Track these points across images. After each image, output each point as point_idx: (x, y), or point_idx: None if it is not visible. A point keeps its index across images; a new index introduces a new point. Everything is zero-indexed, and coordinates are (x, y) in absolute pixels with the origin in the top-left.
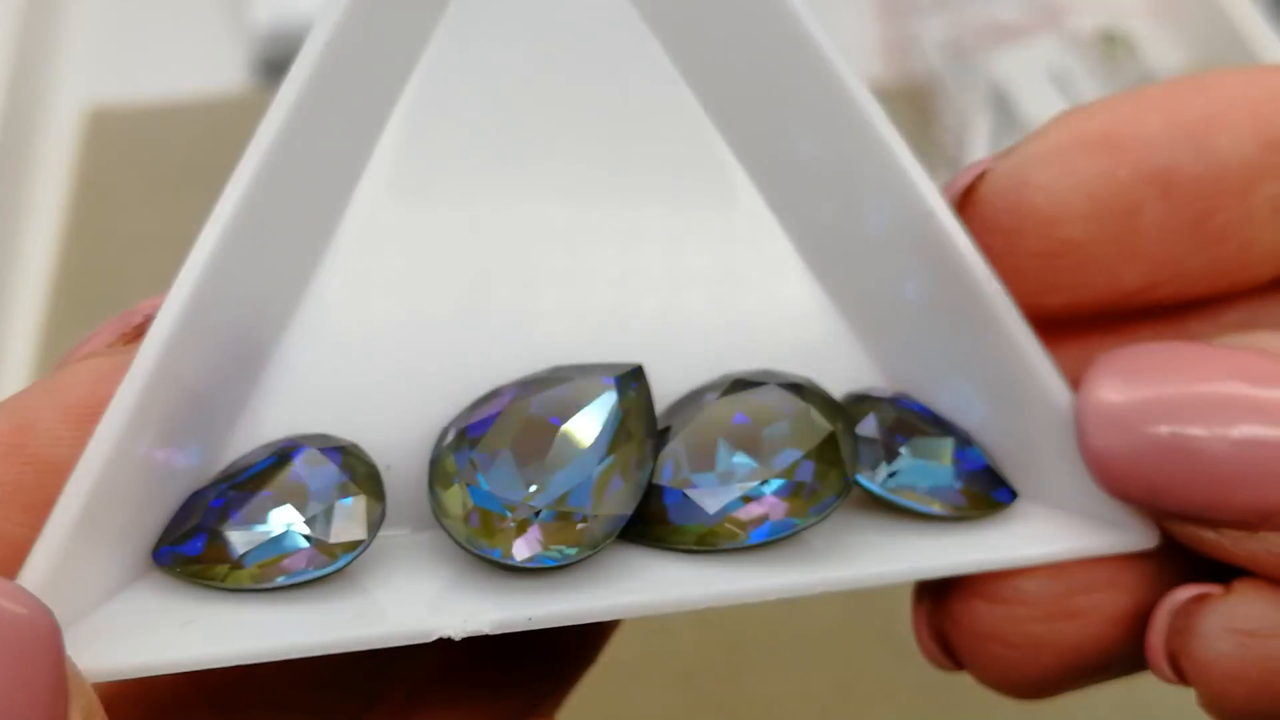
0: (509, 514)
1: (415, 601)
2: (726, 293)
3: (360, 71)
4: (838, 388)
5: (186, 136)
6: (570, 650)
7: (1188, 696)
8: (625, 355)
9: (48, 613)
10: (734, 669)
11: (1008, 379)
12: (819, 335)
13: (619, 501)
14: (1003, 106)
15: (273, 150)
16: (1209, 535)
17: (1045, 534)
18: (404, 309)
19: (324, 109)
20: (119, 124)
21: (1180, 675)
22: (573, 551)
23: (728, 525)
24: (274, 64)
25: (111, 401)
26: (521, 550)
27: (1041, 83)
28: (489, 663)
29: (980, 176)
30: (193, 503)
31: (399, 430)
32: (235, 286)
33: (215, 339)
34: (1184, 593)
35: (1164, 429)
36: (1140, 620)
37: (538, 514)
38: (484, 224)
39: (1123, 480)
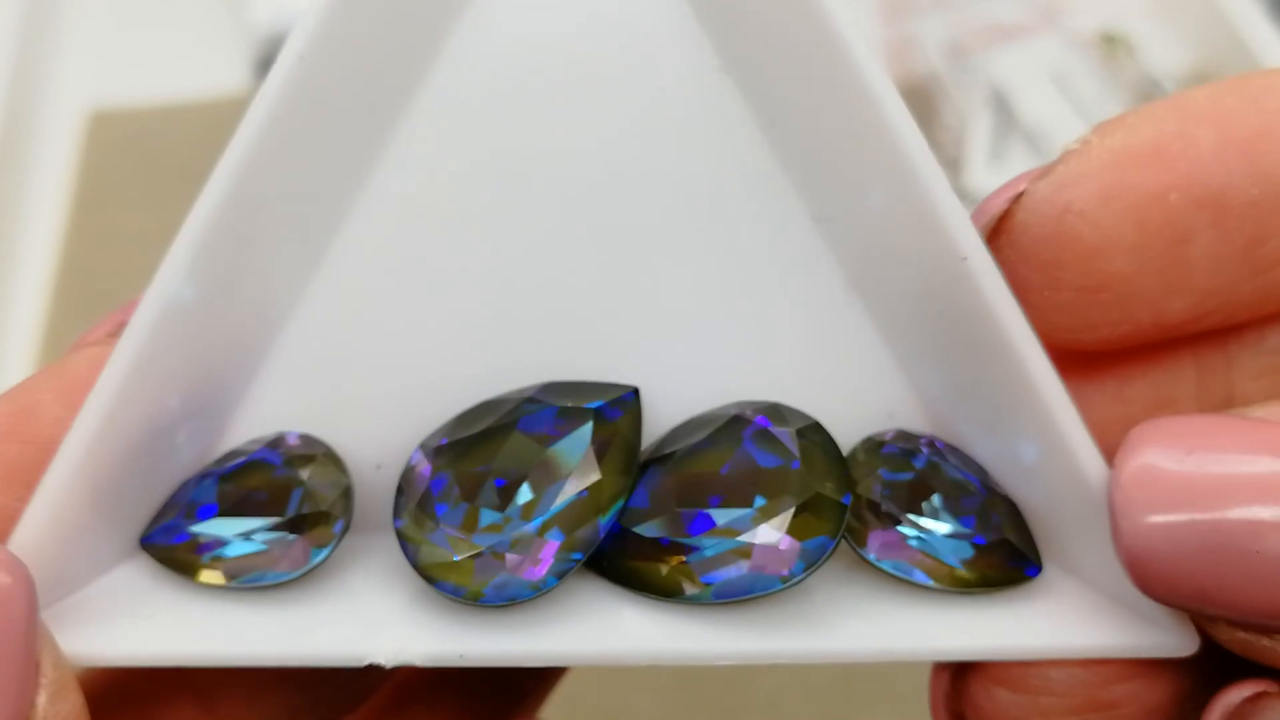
0: (465, 547)
1: (362, 623)
2: (759, 303)
3: (361, 75)
4: (874, 419)
5: (186, 136)
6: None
7: None
8: (633, 368)
9: (26, 577)
10: (734, 669)
11: (1039, 441)
12: (859, 360)
13: (582, 538)
14: (1003, 106)
15: (257, 145)
16: (1264, 643)
17: (1070, 622)
18: (402, 313)
19: (326, 99)
20: (119, 124)
21: None
22: (528, 589)
23: (698, 573)
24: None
25: (96, 383)
26: (473, 584)
27: (1041, 83)
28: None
29: (1016, 200)
30: (181, 491)
31: (392, 429)
32: (227, 281)
33: (207, 329)
34: (1238, 693)
35: (1212, 515)
36: (1177, 709)
37: (494, 549)
38: (489, 231)
39: (1165, 581)
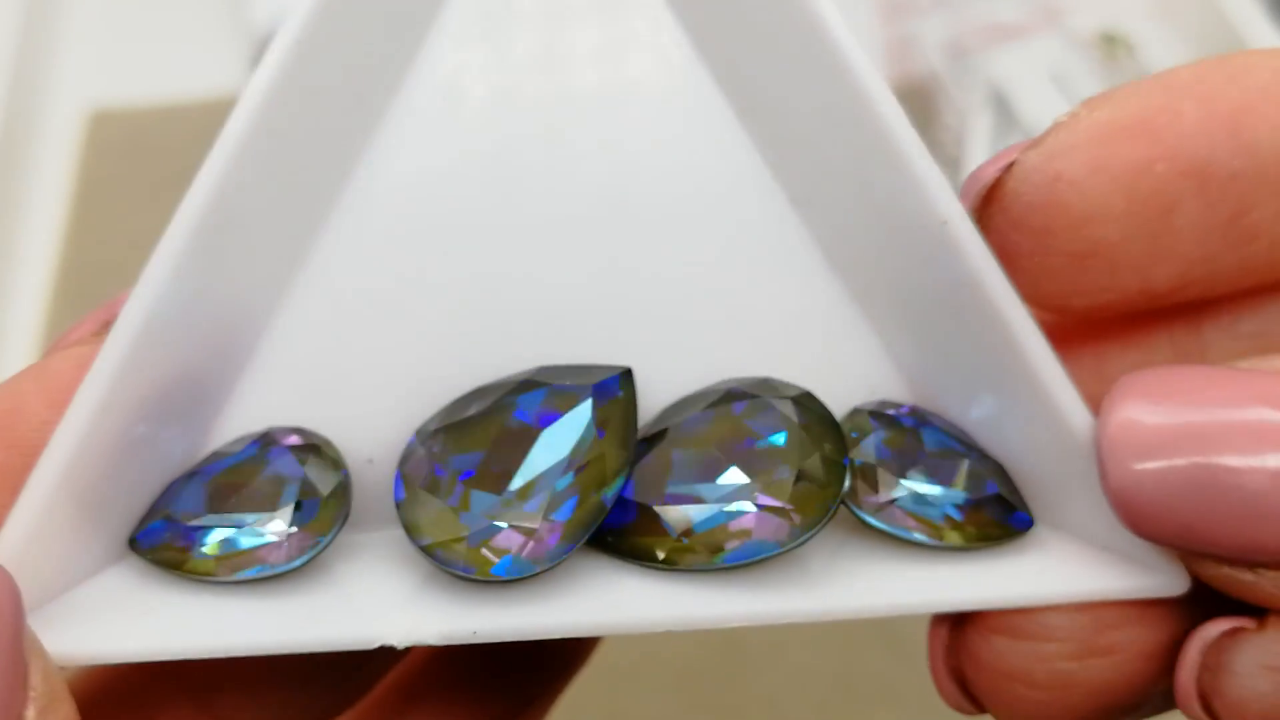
0: (471, 525)
1: (369, 606)
2: (742, 284)
3: (345, 71)
4: (856, 394)
5: (186, 136)
6: (561, 653)
7: None
8: (622, 353)
9: (11, 587)
10: (734, 669)
11: (1025, 399)
12: (841, 337)
13: (587, 513)
14: (1003, 106)
15: (244, 144)
16: (1247, 577)
17: (1064, 570)
18: (390, 307)
19: (311, 97)
20: (119, 124)
21: (1212, 715)
22: (535, 563)
23: (700, 543)
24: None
25: (82, 383)
26: (481, 562)
27: (1041, 83)
28: (480, 663)
29: (1007, 169)
30: (170, 491)
31: (383, 423)
32: (212, 277)
33: (194, 328)
34: (1215, 627)
35: (1196, 460)
36: (1171, 654)
37: (501, 525)
38: (478, 225)
39: (1151, 518)
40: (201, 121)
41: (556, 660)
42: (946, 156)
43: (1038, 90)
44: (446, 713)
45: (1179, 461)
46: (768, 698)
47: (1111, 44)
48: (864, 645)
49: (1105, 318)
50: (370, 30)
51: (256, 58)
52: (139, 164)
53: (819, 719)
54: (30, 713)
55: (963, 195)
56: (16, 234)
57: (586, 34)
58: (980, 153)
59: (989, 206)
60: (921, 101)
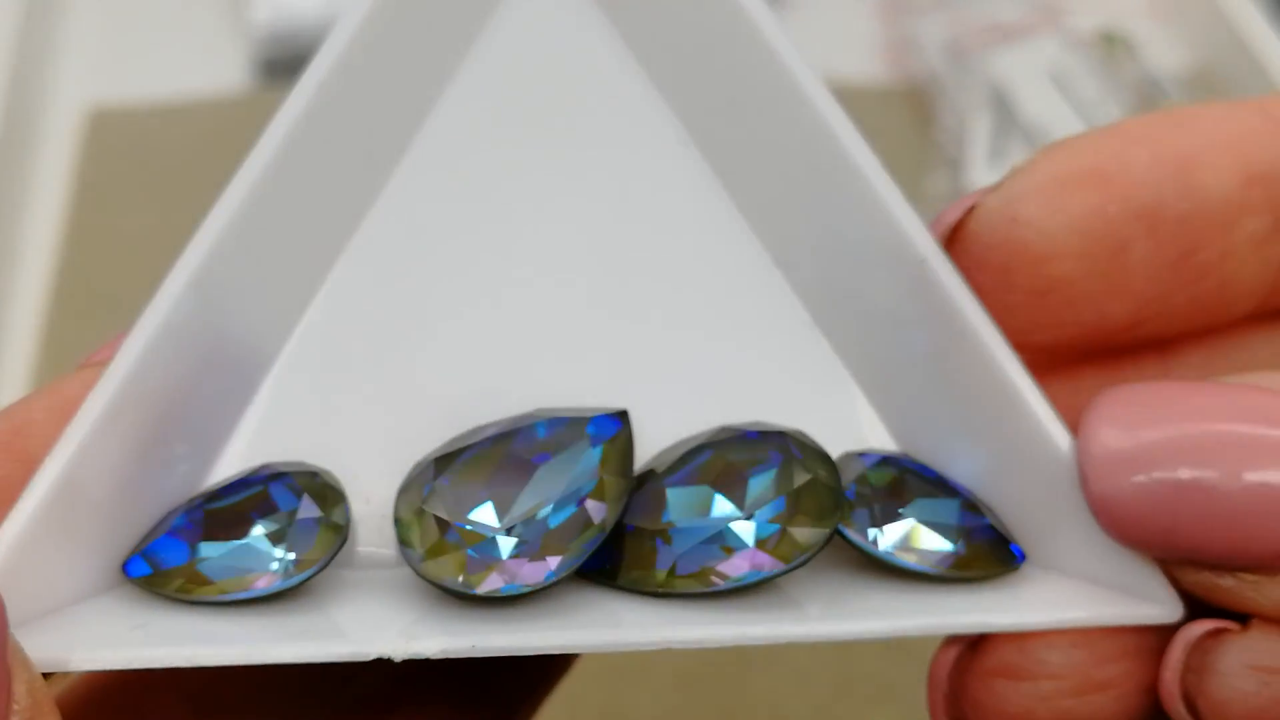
0: (469, 550)
1: (366, 621)
2: (727, 344)
3: (363, 112)
4: (843, 445)
5: (186, 136)
6: (544, 659)
7: None
8: (618, 401)
9: None
10: (734, 669)
11: (1009, 429)
12: (825, 391)
13: (584, 540)
14: (1003, 106)
15: (258, 192)
16: (1226, 582)
17: (1058, 598)
18: (392, 348)
19: (328, 135)
20: (119, 124)
21: (1196, 715)
22: (531, 584)
23: (694, 577)
24: (274, 64)
25: (80, 408)
26: (478, 580)
27: (1041, 83)
28: (465, 668)
29: (969, 211)
30: (167, 518)
31: (383, 458)
32: (221, 311)
33: (199, 361)
34: (1199, 628)
35: (1174, 468)
36: None
37: (498, 553)
38: (483, 265)
39: (1133, 524)
40: (201, 122)
41: (540, 667)
42: (946, 157)
43: (1038, 90)
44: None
45: (1158, 471)
46: (768, 698)
47: (1111, 44)
48: (864, 645)
49: (1070, 358)
50: (387, 77)
51: (257, 58)
52: (139, 164)
53: (819, 719)
54: None
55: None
56: (16, 233)
57: (584, 103)
58: (980, 153)
59: (952, 247)
60: (921, 101)
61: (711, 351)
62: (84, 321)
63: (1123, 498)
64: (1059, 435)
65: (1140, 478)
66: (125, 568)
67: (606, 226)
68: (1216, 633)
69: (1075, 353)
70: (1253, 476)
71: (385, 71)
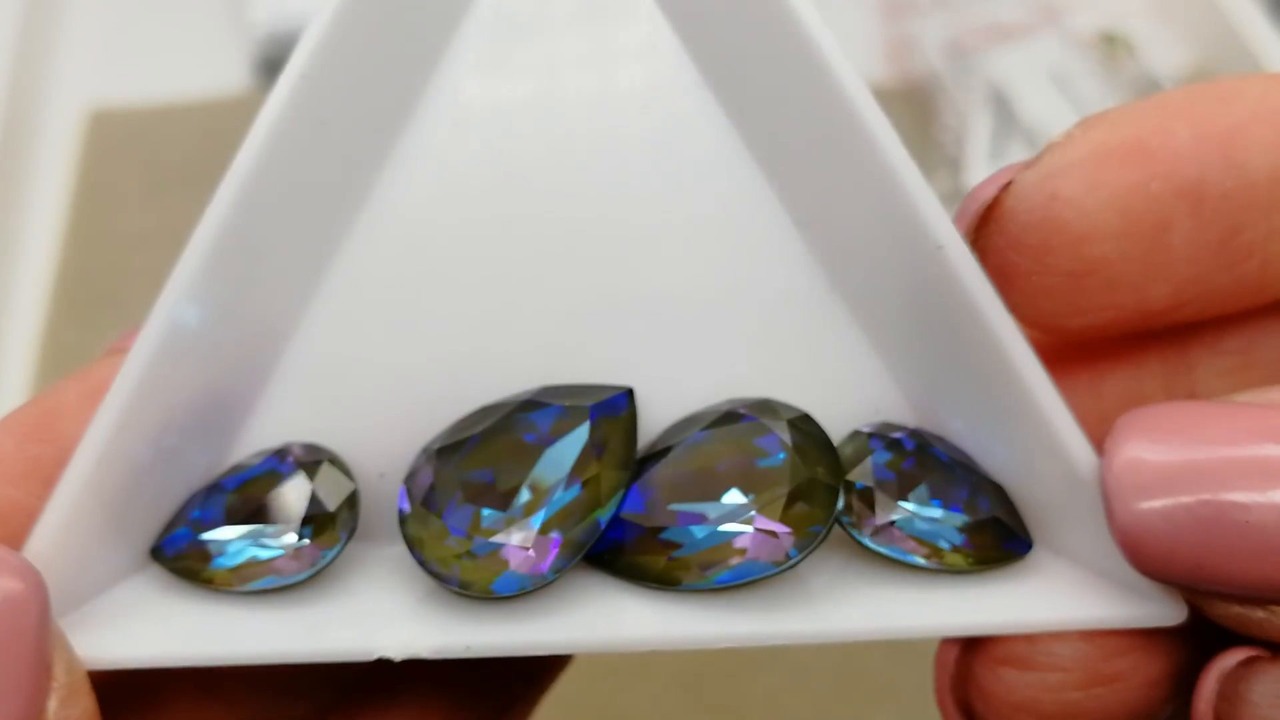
0: (470, 542)
1: (369, 620)
2: (747, 309)
3: (364, 88)
4: (859, 415)
5: (186, 136)
6: (541, 658)
7: None
8: (628, 372)
9: (39, 582)
10: (734, 669)
11: (1022, 426)
12: (844, 359)
13: (584, 531)
14: (1003, 106)
15: (261, 164)
16: (1258, 614)
17: (1064, 597)
18: (403, 324)
19: (328, 114)
20: (119, 124)
21: None
22: (532, 581)
23: (696, 562)
24: (274, 64)
25: (105, 396)
26: (479, 579)
27: (1041, 83)
28: (461, 668)
29: (1005, 188)
30: (191, 502)
31: (396, 438)
32: (233, 296)
33: (216, 344)
34: (1232, 657)
35: (1202, 497)
36: (1178, 681)
37: (499, 543)
38: (487, 247)
39: (1160, 558)
40: (201, 122)
41: (537, 666)
42: (946, 156)
43: (1038, 90)
44: (426, 715)
45: (1185, 499)
46: (768, 697)
47: (1111, 44)
48: (864, 645)
49: (1098, 340)
50: (384, 53)
51: (257, 58)
52: (139, 164)
53: (819, 719)
54: (52, 703)
55: (960, 215)
56: (16, 233)
57: (597, 62)
58: (980, 153)
59: (986, 226)
60: (921, 101)
61: (730, 312)
62: (84, 321)
63: (1148, 523)
64: (1073, 440)
65: (1165, 502)
66: (152, 551)
67: (618, 192)
68: (1249, 662)
69: (1111, 338)
70: None
71: (378, 55)
